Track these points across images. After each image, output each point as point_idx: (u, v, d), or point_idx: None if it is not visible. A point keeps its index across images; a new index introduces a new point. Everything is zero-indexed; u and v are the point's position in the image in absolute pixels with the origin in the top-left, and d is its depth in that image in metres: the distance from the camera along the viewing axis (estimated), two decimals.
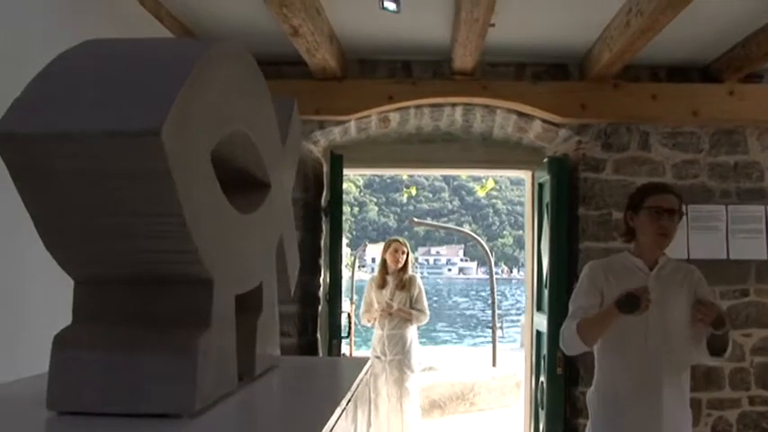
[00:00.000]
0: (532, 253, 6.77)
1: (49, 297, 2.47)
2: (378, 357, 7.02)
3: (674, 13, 4.24)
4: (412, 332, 7.13)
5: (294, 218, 5.76)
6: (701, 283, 3.56)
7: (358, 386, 1.73)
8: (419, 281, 7.35)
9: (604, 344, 3.55)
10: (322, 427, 1.20)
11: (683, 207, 3.56)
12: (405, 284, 7.13)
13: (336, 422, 1.32)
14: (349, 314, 6.86)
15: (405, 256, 7.28)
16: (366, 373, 1.94)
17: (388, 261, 7.27)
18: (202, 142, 1.30)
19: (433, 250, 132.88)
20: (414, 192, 15.34)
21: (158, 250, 1.26)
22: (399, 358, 6.99)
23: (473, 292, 74.85)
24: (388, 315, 7.00)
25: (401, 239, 7.49)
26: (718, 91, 5.84)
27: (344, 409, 1.45)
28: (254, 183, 1.70)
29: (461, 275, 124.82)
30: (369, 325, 7.39)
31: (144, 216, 1.21)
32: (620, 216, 3.84)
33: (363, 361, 2.07)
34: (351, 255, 16.13)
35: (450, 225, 48.95)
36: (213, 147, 1.33)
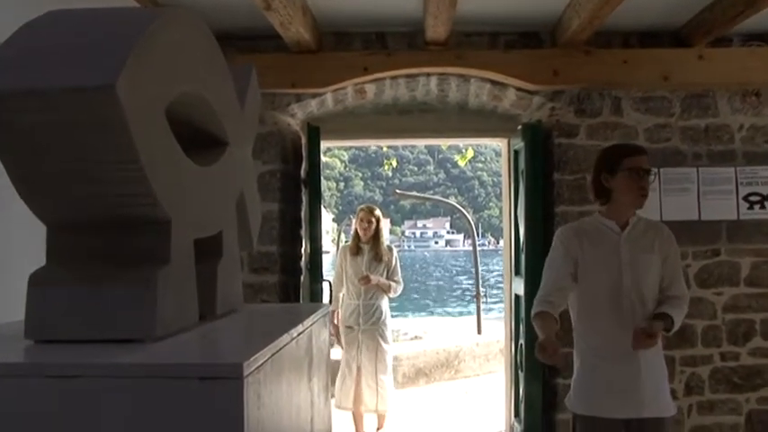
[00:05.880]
0: (510, 219, 6.79)
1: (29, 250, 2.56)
2: (350, 327, 6.80)
3: None
4: (386, 303, 6.93)
5: (274, 189, 5.80)
6: (670, 240, 3.61)
7: (313, 322, 1.86)
8: (395, 251, 7.12)
9: (581, 305, 3.60)
10: (268, 345, 1.34)
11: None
12: (382, 256, 6.86)
13: (285, 346, 1.46)
14: (330, 283, 6.76)
15: (374, 224, 6.88)
16: (323, 315, 2.08)
17: (359, 230, 6.92)
18: (155, 97, 1.44)
19: (420, 223, 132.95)
20: (394, 163, 15.19)
21: (121, 194, 1.41)
22: (374, 329, 6.78)
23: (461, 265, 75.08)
24: (365, 285, 6.72)
25: (370, 206, 7.09)
26: (687, 55, 5.87)
27: (295, 338, 1.59)
28: (213, 140, 1.84)
29: (448, 248, 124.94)
30: (341, 295, 6.99)
31: (106, 163, 1.36)
32: None
33: (321, 305, 2.20)
34: (336, 229, 16.18)
35: (435, 197, 48.55)
36: (167, 103, 1.48)
